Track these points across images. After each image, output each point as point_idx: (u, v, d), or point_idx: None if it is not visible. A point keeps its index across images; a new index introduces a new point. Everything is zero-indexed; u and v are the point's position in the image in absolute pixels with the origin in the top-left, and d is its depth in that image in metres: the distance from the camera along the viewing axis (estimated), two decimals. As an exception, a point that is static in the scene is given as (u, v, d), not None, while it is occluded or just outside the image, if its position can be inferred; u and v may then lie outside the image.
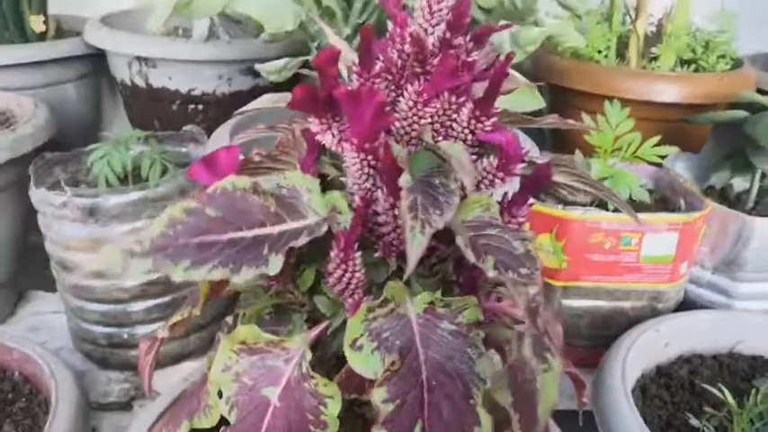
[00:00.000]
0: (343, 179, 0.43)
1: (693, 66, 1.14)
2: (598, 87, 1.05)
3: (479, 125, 0.40)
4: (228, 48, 1.02)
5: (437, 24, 0.42)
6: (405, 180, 0.34)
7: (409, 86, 0.40)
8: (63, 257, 0.81)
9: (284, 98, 0.47)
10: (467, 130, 0.40)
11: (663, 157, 0.87)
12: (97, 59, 1.15)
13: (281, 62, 0.75)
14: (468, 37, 0.41)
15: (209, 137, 0.89)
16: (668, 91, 1.03)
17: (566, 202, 0.79)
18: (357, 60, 0.40)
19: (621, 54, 1.18)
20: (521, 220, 0.42)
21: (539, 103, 0.77)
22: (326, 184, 0.45)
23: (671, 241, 0.80)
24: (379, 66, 0.41)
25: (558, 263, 0.81)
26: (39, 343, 0.75)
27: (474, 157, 0.42)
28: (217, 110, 1.10)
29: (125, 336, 0.84)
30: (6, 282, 0.94)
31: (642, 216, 0.79)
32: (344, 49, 0.44)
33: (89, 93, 1.20)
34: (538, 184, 0.41)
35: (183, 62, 1.03)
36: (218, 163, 0.42)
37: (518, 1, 0.64)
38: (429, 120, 0.41)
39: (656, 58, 1.14)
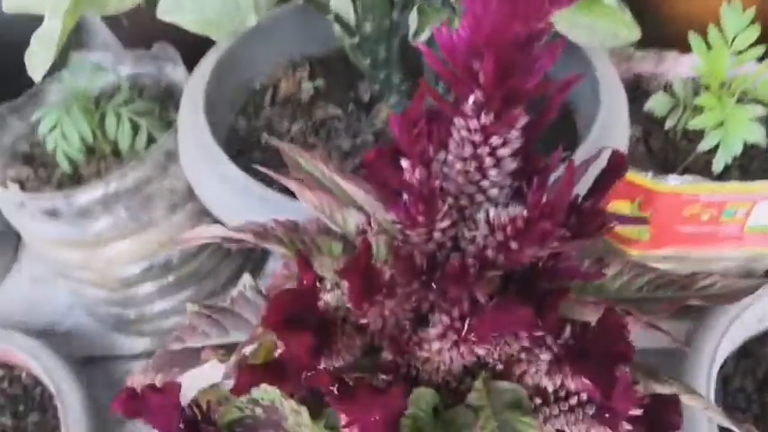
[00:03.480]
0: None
1: None
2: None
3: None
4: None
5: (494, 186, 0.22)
6: None
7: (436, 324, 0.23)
8: (41, 250, 0.69)
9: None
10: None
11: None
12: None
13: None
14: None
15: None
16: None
17: (655, 170, 0.60)
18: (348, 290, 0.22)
19: None
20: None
21: (633, 32, 0.54)
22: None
23: (789, 208, 0.61)
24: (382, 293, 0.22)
25: (637, 234, 0.64)
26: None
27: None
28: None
29: (131, 316, 0.75)
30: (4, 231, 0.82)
31: (757, 184, 0.60)
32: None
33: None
34: None
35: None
36: (149, 408, 0.27)
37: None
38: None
39: None
